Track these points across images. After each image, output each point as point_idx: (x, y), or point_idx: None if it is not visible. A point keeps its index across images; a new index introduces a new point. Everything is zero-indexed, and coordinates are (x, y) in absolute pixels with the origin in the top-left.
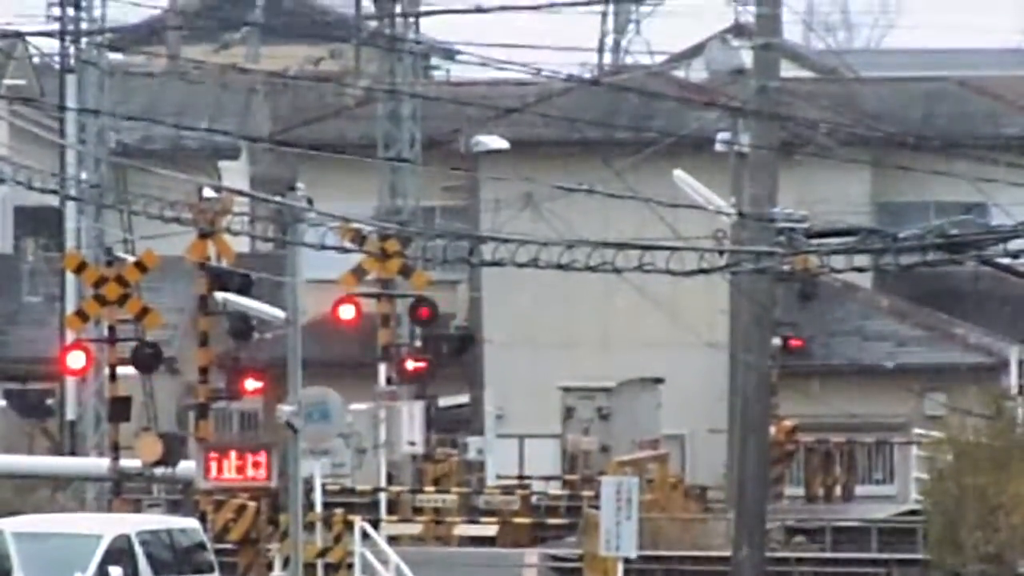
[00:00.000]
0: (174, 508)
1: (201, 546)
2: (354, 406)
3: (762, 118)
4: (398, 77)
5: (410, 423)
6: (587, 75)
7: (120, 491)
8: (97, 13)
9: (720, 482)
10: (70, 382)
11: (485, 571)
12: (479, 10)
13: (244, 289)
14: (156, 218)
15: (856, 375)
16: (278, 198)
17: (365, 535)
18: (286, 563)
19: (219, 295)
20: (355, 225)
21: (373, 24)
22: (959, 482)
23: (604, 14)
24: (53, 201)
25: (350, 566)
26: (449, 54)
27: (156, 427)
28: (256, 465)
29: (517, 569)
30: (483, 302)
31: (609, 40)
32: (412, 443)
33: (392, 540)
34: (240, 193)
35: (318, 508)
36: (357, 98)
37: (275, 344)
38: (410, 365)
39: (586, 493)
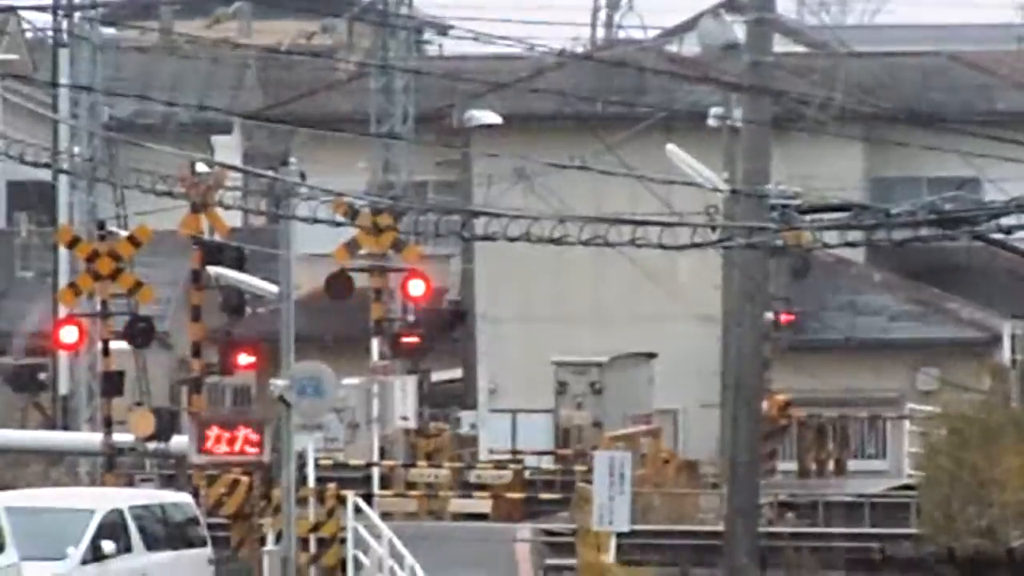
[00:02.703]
0: (167, 483)
1: (194, 521)
2: (347, 381)
3: (755, 93)
4: (391, 52)
5: (403, 398)
6: (580, 50)
7: (113, 466)
8: None
9: (713, 457)
10: (63, 357)
11: (478, 546)
12: None
13: (237, 263)
14: (148, 192)
15: (849, 350)
16: (271, 172)
17: (358, 510)
18: (279, 537)
19: (212, 269)
20: (348, 199)
21: None
22: (952, 457)
23: None
24: (46, 176)
25: (343, 540)
26: (442, 28)
27: (149, 402)
28: (249, 440)
29: (510, 544)
30: (476, 276)
31: (602, 15)
32: (405, 418)
33: (385, 515)
34: (233, 168)
35: (311, 483)
36: (350, 73)
37: (268, 318)
38: (403, 340)
39: (579, 468)
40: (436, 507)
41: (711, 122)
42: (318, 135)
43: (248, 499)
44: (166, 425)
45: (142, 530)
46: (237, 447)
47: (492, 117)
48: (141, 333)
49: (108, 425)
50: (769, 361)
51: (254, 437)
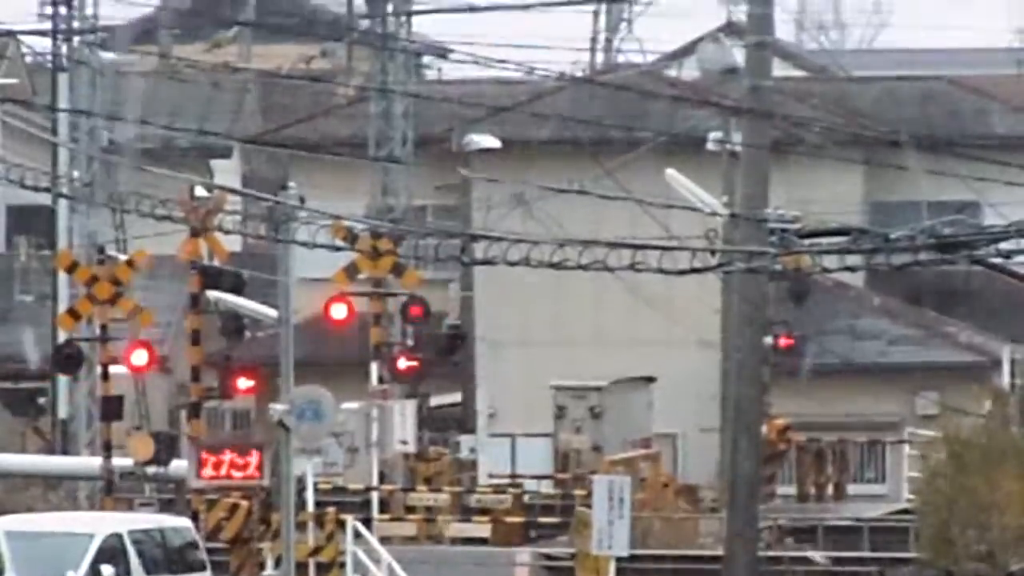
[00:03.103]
0: (166, 507)
1: (193, 545)
2: (346, 405)
3: (754, 117)
4: (390, 76)
5: (402, 422)
6: (579, 74)
7: (112, 490)
8: (89, 12)
9: (712, 481)
10: (62, 381)
11: (477, 570)
12: (471, 9)
13: (236, 288)
14: (148, 216)
15: (848, 374)
16: (270, 196)
17: (357, 534)
18: (278, 562)
19: (211, 294)
20: (347, 224)
21: (365, 23)
22: (951, 481)
23: (596, 13)
24: (45, 200)
25: (342, 565)
26: (441, 53)
27: (148, 426)
28: (248, 464)
29: (509, 568)
30: (475, 301)
31: (601, 39)
32: (404, 442)
33: (384, 539)
34: (232, 191)
35: (310, 507)
36: (349, 97)
37: (267, 343)
38: (402, 364)
39: (578, 492)
40: (435, 531)
41: (710, 146)
42: (317, 159)
43: (247, 523)
44: (165, 449)
45: (141, 554)
46: (237, 472)
47: (491, 141)
48: (139, 358)
49: (107, 449)
50: (768, 385)
51: (253, 461)
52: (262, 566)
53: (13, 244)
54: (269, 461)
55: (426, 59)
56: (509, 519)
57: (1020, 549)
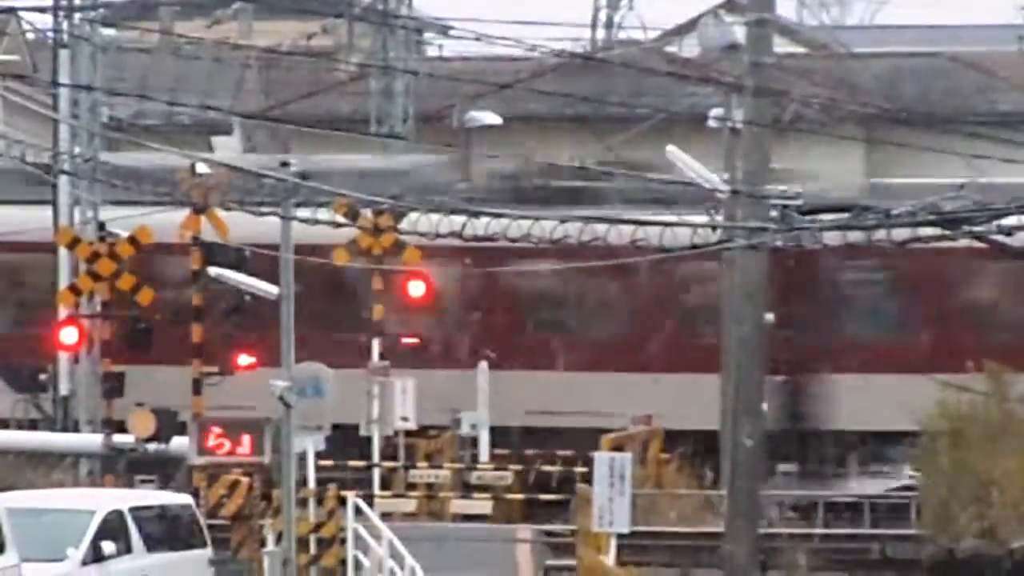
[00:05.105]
0: (167, 484)
1: (194, 522)
2: None
3: (755, 94)
4: (391, 52)
5: (403, 398)
6: (580, 51)
7: (113, 467)
8: None
9: None
10: (63, 358)
11: (478, 546)
12: None
13: (238, 264)
14: (150, 193)
15: None
16: (271, 173)
17: (358, 510)
18: (279, 538)
19: (212, 270)
20: (348, 200)
21: None
22: (952, 457)
23: None
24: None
25: (343, 541)
26: (442, 29)
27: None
28: (249, 441)
29: (510, 544)
30: None
31: (602, 16)
32: (405, 418)
33: (385, 516)
34: (233, 168)
35: (311, 484)
36: (350, 73)
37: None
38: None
39: (579, 469)
40: (436, 508)
41: (711, 123)
42: (318, 136)
43: (248, 500)
44: (166, 426)
45: (142, 531)
46: (237, 448)
47: (492, 118)
48: (141, 334)
49: (108, 426)
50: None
51: (254, 438)
52: (263, 542)
53: None
54: (270, 438)
55: (427, 36)
56: (510, 496)
57: (1021, 526)
